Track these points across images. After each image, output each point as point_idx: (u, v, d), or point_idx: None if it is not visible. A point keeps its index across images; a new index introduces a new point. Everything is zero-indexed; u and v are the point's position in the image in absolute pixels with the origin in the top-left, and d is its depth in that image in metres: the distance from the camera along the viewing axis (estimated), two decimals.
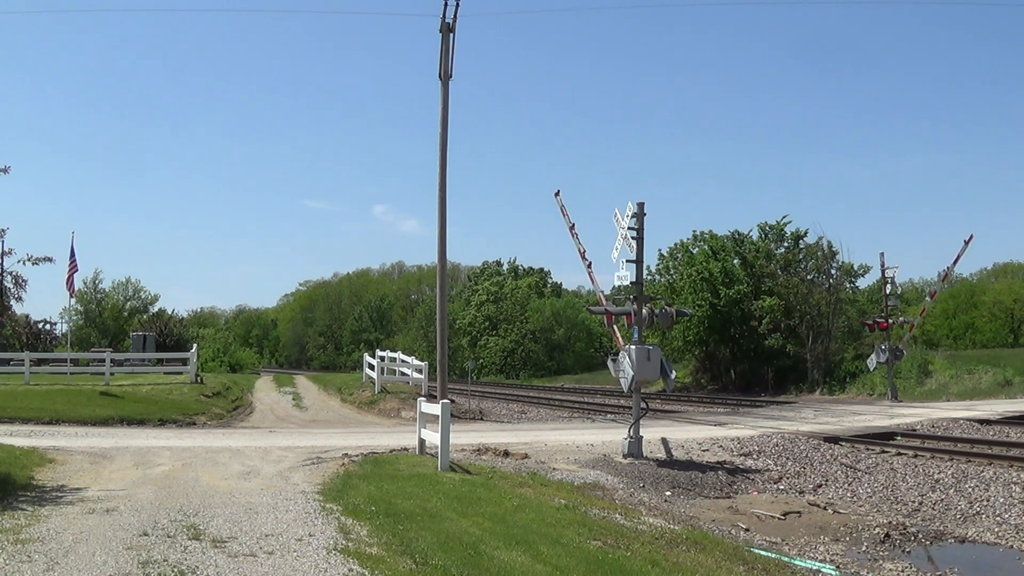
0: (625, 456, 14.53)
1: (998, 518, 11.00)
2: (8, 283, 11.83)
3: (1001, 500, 11.71)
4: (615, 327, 17.79)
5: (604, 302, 17.51)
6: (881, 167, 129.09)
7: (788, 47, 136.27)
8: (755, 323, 38.02)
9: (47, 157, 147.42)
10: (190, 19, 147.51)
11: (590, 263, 18.01)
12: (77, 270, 26.21)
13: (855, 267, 39.01)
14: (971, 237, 29.69)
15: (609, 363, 15.32)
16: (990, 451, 15.28)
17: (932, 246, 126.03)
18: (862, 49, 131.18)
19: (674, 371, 15.31)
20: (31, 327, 39.23)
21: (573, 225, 18.39)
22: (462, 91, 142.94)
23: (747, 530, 10.39)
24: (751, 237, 42.29)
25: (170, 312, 53.87)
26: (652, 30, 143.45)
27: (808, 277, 38.99)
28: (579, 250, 18.24)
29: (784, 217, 41.80)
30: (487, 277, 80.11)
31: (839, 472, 14.10)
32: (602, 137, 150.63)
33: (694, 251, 42.93)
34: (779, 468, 14.46)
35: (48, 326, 43.50)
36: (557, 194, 19.84)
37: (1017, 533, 10.34)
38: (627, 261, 14.93)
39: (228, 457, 13.40)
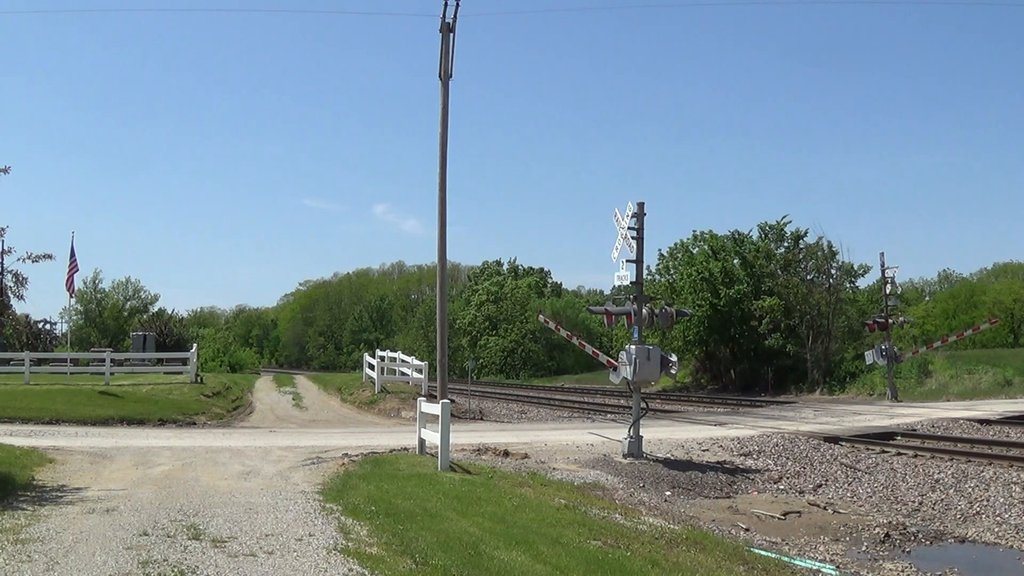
0: (625, 456, 14.53)
1: (998, 518, 10.99)
2: (8, 282, 11.78)
3: (1001, 500, 11.69)
4: (603, 354, 18.23)
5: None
6: (881, 167, 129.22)
7: (788, 47, 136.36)
8: (755, 323, 37.99)
9: (47, 157, 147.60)
10: (190, 19, 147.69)
11: (578, 339, 19.26)
12: (77, 270, 26.25)
13: (855, 267, 39.01)
14: (997, 320, 33.53)
15: (611, 374, 15.34)
16: (990, 451, 15.27)
17: (932, 246, 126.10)
18: (862, 49, 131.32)
19: (675, 355, 15.38)
20: (31, 327, 39.12)
21: (558, 327, 19.63)
22: (462, 91, 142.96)
23: (747, 530, 10.39)
24: (751, 237, 42.25)
25: (170, 312, 53.84)
26: (653, 30, 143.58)
27: (808, 277, 38.96)
28: (567, 335, 19.39)
29: (784, 217, 41.87)
30: (487, 277, 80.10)
31: (839, 472, 14.09)
32: (603, 136, 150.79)
33: (694, 251, 42.88)
34: (779, 468, 14.46)
35: (48, 326, 43.43)
36: (540, 313, 21.58)
37: (1017, 533, 10.33)
38: (627, 261, 14.93)
39: (228, 457, 13.40)
